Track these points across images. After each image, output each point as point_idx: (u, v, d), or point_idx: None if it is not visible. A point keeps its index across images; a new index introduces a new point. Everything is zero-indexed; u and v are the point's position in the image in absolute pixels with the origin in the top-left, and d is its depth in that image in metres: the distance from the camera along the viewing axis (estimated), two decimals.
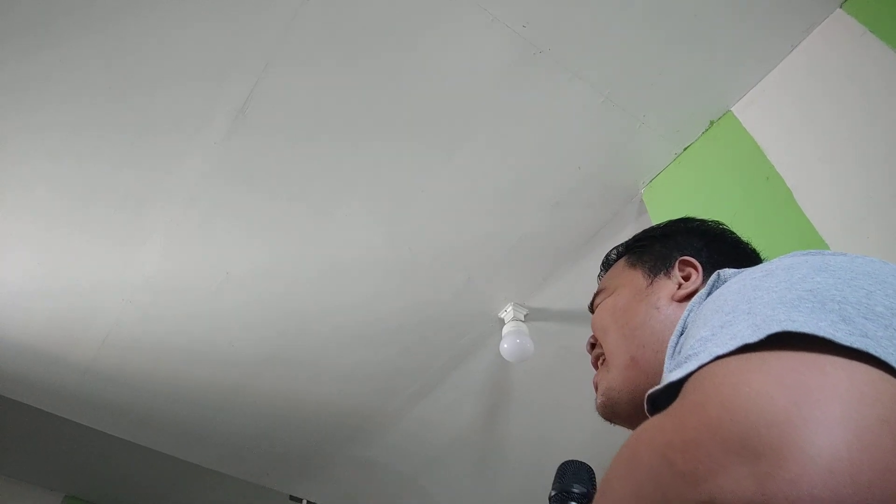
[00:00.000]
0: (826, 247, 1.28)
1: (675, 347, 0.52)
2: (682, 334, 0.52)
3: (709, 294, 0.53)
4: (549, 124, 1.68)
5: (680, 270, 0.70)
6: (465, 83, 1.59)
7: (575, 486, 0.67)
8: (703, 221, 0.79)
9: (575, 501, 0.66)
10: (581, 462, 0.71)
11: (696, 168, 1.70)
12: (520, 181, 1.81)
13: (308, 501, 3.27)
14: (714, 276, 0.55)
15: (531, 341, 2.11)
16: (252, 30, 1.48)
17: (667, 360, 0.52)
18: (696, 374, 0.39)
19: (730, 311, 0.43)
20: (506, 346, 2.10)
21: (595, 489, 0.68)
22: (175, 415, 2.62)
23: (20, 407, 2.60)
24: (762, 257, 0.76)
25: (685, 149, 1.73)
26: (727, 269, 0.55)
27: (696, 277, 0.68)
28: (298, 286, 2.10)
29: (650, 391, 0.44)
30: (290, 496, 3.27)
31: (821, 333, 0.36)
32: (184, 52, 1.52)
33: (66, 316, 2.18)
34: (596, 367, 0.74)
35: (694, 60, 1.55)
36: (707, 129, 1.69)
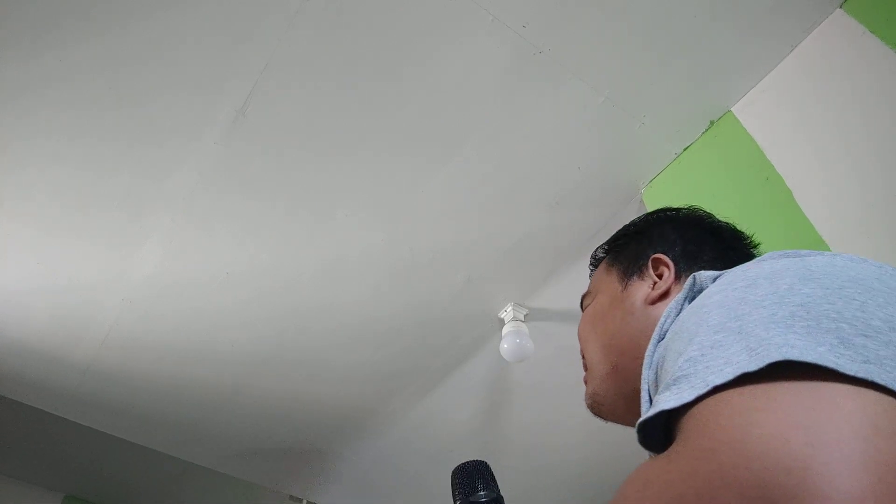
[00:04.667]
0: (826, 247, 1.28)
1: (652, 356, 0.50)
2: (660, 341, 0.51)
3: (685, 300, 0.52)
4: (549, 124, 1.68)
5: (654, 269, 0.69)
6: (464, 83, 1.59)
7: (480, 492, 0.66)
8: (678, 210, 0.77)
9: None
10: (472, 462, 0.69)
11: (696, 168, 1.70)
12: (520, 181, 1.81)
13: (308, 501, 3.27)
14: (690, 280, 0.53)
15: (531, 341, 2.11)
16: (252, 31, 1.48)
17: (644, 370, 0.50)
18: (696, 409, 0.37)
19: (718, 328, 0.41)
20: (506, 346, 2.10)
21: (496, 483, 0.67)
22: (175, 415, 2.61)
23: (20, 407, 2.60)
24: (745, 239, 0.74)
25: (685, 149, 1.73)
26: (703, 273, 0.53)
27: (668, 275, 0.67)
28: (298, 286, 2.10)
29: (640, 420, 0.42)
30: (290, 496, 3.27)
31: (823, 363, 0.34)
32: (183, 55, 1.52)
33: (65, 316, 2.18)
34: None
35: (694, 60, 1.55)
36: (707, 129, 1.69)
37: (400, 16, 1.46)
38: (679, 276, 0.67)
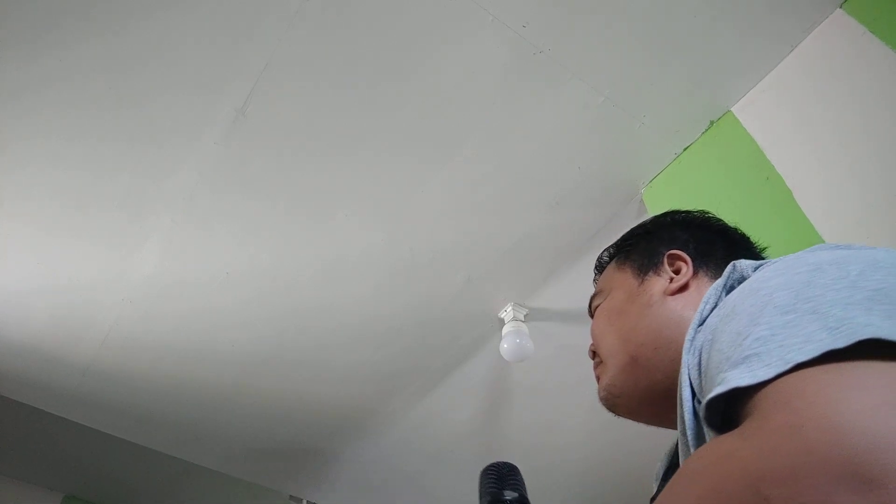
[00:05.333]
0: None
1: (692, 341, 0.49)
2: (701, 323, 0.49)
3: (725, 286, 0.51)
4: (549, 124, 1.68)
5: (669, 265, 0.70)
6: (464, 83, 1.59)
7: (507, 492, 0.65)
8: (687, 213, 0.78)
9: None
10: (501, 464, 0.69)
11: (696, 168, 1.70)
12: (520, 181, 1.81)
13: (308, 501, 3.27)
14: (730, 267, 0.53)
15: (531, 341, 2.11)
16: (252, 31, 1.48)
17: (684, 355, 0.49)
18: (774, 386, 0.35)
19: (787, 307, 0.39)
20: (506, 346, 2.10)
21: (524, 485, 0.66)
22: (175, 415, 2.61)
23: (20, 407, 2.60)
24: (752, 243, 0.75)
25: (685, 149, 1.73)
26: (743, 261, 0.53)
27: (687, 270, 0.68)
28: (298, 286, 2.10)
29: (710, 395, 0.39)
30: (290, 496, 3.27)
31: None
32: (183, 55, 1.52)
33: (65, 316, 2.18)
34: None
35: (694, 60, 1.55)
36: (707, 129, 1.69)
37: (400, 16, 1.46)
38: (697, 272, 0.68)
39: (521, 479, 0.67)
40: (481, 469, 0.69)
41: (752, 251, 0.74)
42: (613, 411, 0.69)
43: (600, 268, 0.81)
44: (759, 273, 0.49)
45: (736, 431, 0.36)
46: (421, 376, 2.48)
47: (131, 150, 1.71)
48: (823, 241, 1.29)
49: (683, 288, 0.66)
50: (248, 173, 1.78)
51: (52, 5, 1.42)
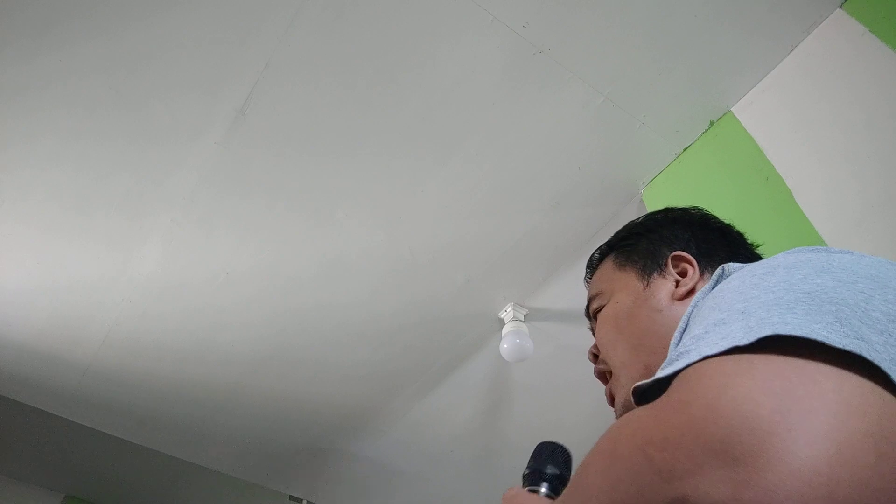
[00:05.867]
0: (825, 246, 1.28)
1: (676, 347, 0.50)
2: (684, 331, 0.51)
3: (711, 289, 0.52)
4: (549, 124, 1.68)
5: (674, 267, 0.68)
6: (464, 83, 1.59)
7: (549, 466, 0.66)
8: (685, 210, 0.76)
9: (546, 482, 0.65)
10: (558, 444, 0.70)
11: (696, 168, 1.70)
12: (520, 181, 1.81)
13: (308, 501, 3.27)
14: (719, 270, 0.54)
15: (531, 341, 2.11)
16: (252, 31, 1.48)
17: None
18: (685, 372, 0.38)
19: (726, 309, 0.42)
20: (506, 346, 2.10)
21: (570, 473, 0.67)
22: (175, 415, 2.61)
23: (20, 407, 2.60)
24: (749, 240, 0.74)
25: (685, 149, 1.73)
26: (732, 264, 0.54)
27: (693, 272, 0.66)
28: (298, 286, 2.10)
29: (637, 384, 0.44)
30: (290, 496, 3.27)
31: (813, 336, 0.35)
32: (183, 55, 1.52)
33: (65, 316, 2.18)
34: (602, 380, 0.72)
35: (694, 60, 1.55)
36: (707, 129, 1.69)
37: (400, 16, 1.46)
38: (703, 274, 0.66)
39: (570, 463, 0.69)
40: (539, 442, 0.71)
41: (748, 249, 0.73)
42: None
43: (592, 267, 0.78)
44: (731, 275, 0.50)
45: (647, 405, 0.39)
46: (421, 376, 2.47)
47: (131, 150, 1.71)
48: (823, 241, 1.29)
49: (691, 291, 0.65)
50: (248, 173, 1.78)
51: (52, 5, 1.42)
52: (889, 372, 0.34)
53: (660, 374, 0.41)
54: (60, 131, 1.66)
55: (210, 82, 1.58)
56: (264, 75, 1.56)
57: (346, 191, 1.83)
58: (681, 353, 0.41)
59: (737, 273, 0.49)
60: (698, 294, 0.53)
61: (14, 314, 2.18)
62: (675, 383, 0.39)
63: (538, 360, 2.22)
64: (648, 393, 0.42)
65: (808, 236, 1.32)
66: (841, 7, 1.44)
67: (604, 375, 0.71)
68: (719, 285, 0.50)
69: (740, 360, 0.36)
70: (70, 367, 2.38)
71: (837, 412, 0.31)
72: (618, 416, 0.68)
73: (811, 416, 0.31)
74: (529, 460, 0.69)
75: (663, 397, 0.38)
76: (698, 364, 0.38)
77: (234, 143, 1.70)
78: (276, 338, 2.29)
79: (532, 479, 0.66)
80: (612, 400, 0.69)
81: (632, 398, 0.45)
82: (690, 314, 0.52)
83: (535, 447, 0.70)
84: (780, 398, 0.32)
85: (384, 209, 1.88)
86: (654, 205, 1.77)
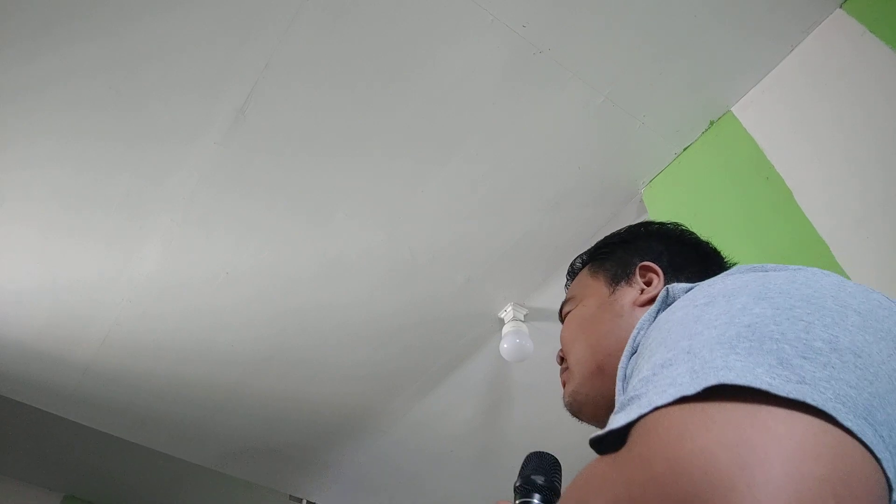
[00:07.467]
0: (826, 247, 1.28)
1: (625, 369, 0.52)
2: (632, 355, 0.52)
3: (658, 311, 0.53)
4: (549, 124, 1.68)
5: (641, 276, 0.71)
6: (464, 83, 1.59)
7: (539, 476, 0.68)
8: (661, 224, 0.79)
9: (538, 492, 0.66)
10: (546, 453, 0.72)
11: (696, 168, 1.70)
12: (519, 181, 1.81)
13: (308, 501, 3.28)
14: (664, 292, 0.54)
15: (531, 341, 2.11)
16: (252, 31, 1.48)
17: (618, 381, 0.52)
18: (640, 423, 0.39)
19: (672, 345, 0.43)
20: (506, 346, 2.10)
21: (559, 480, 0.69)
22: (175, 415, 2.62)
23: (20, 407, 2.60)
24: (723, 256, 0.77)
25: (685, 149, 1.73)
26: (676, 285, 0.54)
27: (658, 282, 0.69)
28: (298, 286, 2.10)
29: (592, 436, 0.43)
30: (290, 496, 3.28)
31: (757, 385, 0.35)
32: (183, 55, 1.52)
33: (65, 316, 2.18)
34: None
35: (694, 60, 1.55)
36: (707, 129, 1.69)
37: (400, 16, 1.46)
38: (667, 284, 0.68)
39: (559, 471, 0.71)
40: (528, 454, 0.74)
41: (722, 265, 0.75)
42: (577, 417, 0.71)
43: (572, 274, 0.83)
44: (675, 303, 0.50)
45: (609, 456, 0.40)
46: (421, 376, 2.48)
47: (131, 150, 1.71)
48: (823, 241, 1.29)
49: (652, 300, 0.67)
50: (248, 173, 1.78)
51: (52, 6, 1.42)
52: (834, 413, 0.34)
53: (613, 424, 0.41)
54: (61, 131, 1.66)
55: (210, 82, 1.58)
56: (264, 75, 1.56)
57: (346, 191, 1.83)
58: (631, 397, 0.42)
59: (680, 301, 0.50)
60: (644, 316, 0.54)
61: (14, 314, 2.18)
62: (633, 435, 0.39)
63: (538, 360, 2.22)
64: (603, 443, 0.42)
65: (808, 236, 1.32)
66: (841, 7, 1.44)
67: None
68: (663, 314, 0.50)
69: (693, 410, 0.36)
70: (70, 366, 2.38)
71: (792, 458, 0.32)
72: (564, 402, 0.72)
73: (767, 466, 0.31)
74: (519, 472, 0.70)
75: (625, 450, 0.39)
76: (651, 416, 0.38)
77: (234, 143, 1.70)
78: (276, 338, 2.29)
79: (523, 491, 0.68)
80: (564, 386, 0.74)
81: (592, 448, 0.45)
82: (636, 337, 0.53)
83: (524, 459, 0.72)
84: (736, 450, 0.33)
85: (384, 209, 1.88)
86: (654, 204, 1.77)
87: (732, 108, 1.64)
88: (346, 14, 1.46)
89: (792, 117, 1.49)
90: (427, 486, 3.09)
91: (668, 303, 0.53)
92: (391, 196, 1.85)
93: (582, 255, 0.82)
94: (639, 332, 0.53)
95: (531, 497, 0.66)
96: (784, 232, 1.37)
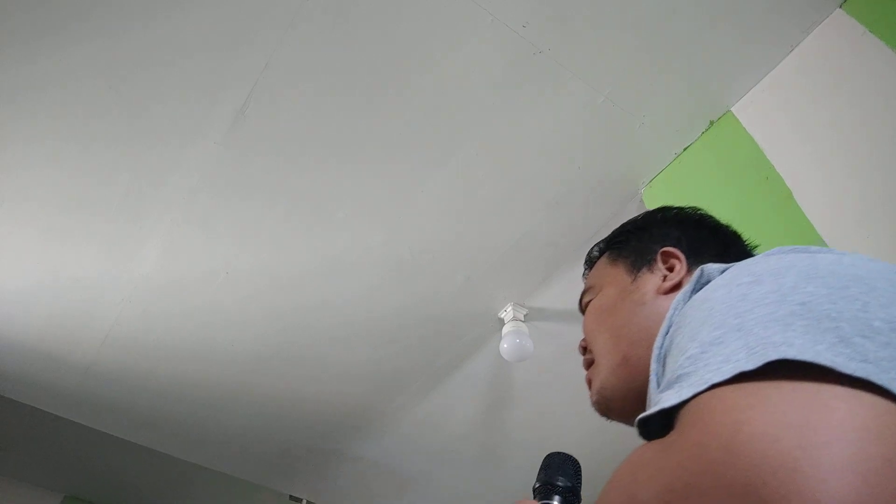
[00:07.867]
0: (825, 246, 1.28)
1: (661, 349, 0.50)
2: (667, 333, 0.50)
3: (692, 291, 0.51)
4: (549, 124, 1.68)
5: (663, 262, 0.69)
6: (464, 83, 1.59)
7: (559, 478, 0.66)
8: (679, 209, 0.77)
9: (559, 495, 0.65)
10: (567, 455, 0.70)
11: (696, 168, 1.70)
12: (520, 181, 1.81)
13: (308, 501, 3.28)
14: (698, 271, 0.53)
15: (531, 341, 2.11)
16: (252, 32, 1.48)
17: (652, 363, 0.50)
18: (693, 403, 0.37)
19: (719, 324, 0.41)
20: (506, 346, 2.10)
21: (579, 482, 0.67)
22: (175, 414, 2.62)
23: (20, 407, 2.60)
24: (744, 239, 0.75)
25: (685, 149, 1.73)
26: (711, 265, 0.53)
27: (680, 267, 0.67)
28: (298, 286, 2.10)
29: (640, 416, 0.42)
30: (290, 496, 3.27)
31: (821, 361, 0.34)
32: (183, 56, 1.52)
33: (65, 316, 2.18)
34: (587, 368, 0.73)
35: (694, 60, 1.55)
36: (707, 129, 1.69)
37: (399, 16, 1.46)
38: (690, 269, 0.67)
39: (580, 473, 0.69)
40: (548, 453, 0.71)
41: (742, 247, 0.74)
42: (607, 415, 0.68)
43: (590, 263, 0.80)
44: (713, 281, 0.49)
45: (658, 442, 0.38)
46: (421, 376, 2.48)
47: (131, 151, 1.71)
48: (823, 241, 1.29)
49: (676, 286, 0.65)
50: (248, 174, 1.78)
51: (51, 7, 1.42)
52: None
53: (662, 402, 0.39)
54: (61, 132, 1.66)
55: (210, 83, 1.58)
56: (264, 76, 1.56)
57: (346, 191, 1.83)
58: (680, 374, 0.40)
59: (719, 279, 0.48)
60: (679, 296, 0.52)
61: (14, 314, 2.18)
62: (685, 417, 0.38)
63: (538, 360, 2.22)
64: (650, 422, 0.41)
65: (808, 236, 1.32)
66: (841, 7, 1.44)
67: (590, 364, 0.72)
68: (702, 292, 0.48)
69: (750, 389, 0.35)
70: (70, 366, 2.38)
71: (856, 439, 0.31)
72: (592, 401, 0.69)
73: (832, 446, 0.30)
74: (539, 473, 0.68)
75: (676, 434, 0.37)
76: (706, 396, 0.37)
77: (234, 143, 1.70)
78: (276, 337, 2.29)
79: (544, 492, 0.66)
80: (590, 384, 0.70)
81: (637, 430, 0.43)
82: (672, 316, 0.51)
83: (543, 459, 0.70)
84: (799, 431, 0.31)
85: (384, 209, 1.88)
86: (654, 205, 1.77)
87: (732, 108, 1.64)
88: (346, 15, 1.46)
89: (792, 117, 1.49)
90: (427, 484, 3.09)
91: (701, 282, 0.51)
92: (391, 195, 1.85)
93: (599, 243, 0.80)
94: (674, 312, 0.51)
95: (551, 499, 0.64)
96: (784, 232, 1.37)
